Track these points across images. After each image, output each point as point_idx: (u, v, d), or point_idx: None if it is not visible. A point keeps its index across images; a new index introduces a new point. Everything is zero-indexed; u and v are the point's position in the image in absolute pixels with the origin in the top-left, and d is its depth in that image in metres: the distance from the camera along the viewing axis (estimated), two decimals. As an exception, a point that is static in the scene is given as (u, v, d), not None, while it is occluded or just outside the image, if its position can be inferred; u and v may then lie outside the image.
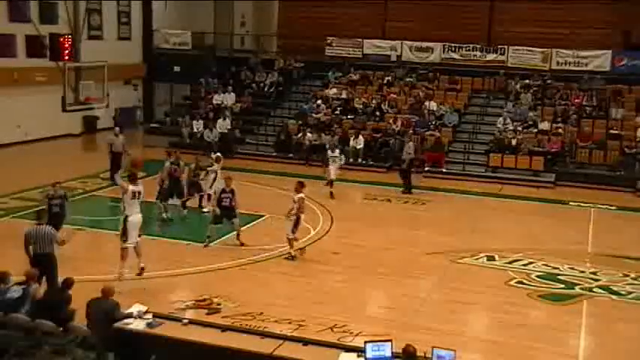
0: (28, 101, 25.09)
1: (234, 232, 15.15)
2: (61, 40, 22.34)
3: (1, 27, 24.44)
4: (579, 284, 13.47)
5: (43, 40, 23.88)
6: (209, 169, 17.65)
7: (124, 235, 12.26)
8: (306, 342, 8.96)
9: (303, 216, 14.43)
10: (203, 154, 19.60)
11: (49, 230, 11.34)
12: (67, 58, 22.76)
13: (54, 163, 22.55)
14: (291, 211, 14.30)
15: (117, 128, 21.44)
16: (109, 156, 20.38)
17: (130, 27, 31.23)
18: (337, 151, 20.58)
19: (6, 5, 24.41)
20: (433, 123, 25.25)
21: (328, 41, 29.44)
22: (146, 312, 9.44)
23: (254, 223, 16.74)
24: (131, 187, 12.31)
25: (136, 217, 12.38)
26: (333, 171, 19.90)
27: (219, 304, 11.52)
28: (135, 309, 9.49)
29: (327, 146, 21.69)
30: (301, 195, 14.36)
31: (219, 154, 18.41)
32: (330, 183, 19.87)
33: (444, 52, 28.16)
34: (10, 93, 24.49)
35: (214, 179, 17.48)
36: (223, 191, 15.01)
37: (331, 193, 19.56)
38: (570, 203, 20.23)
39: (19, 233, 11.61)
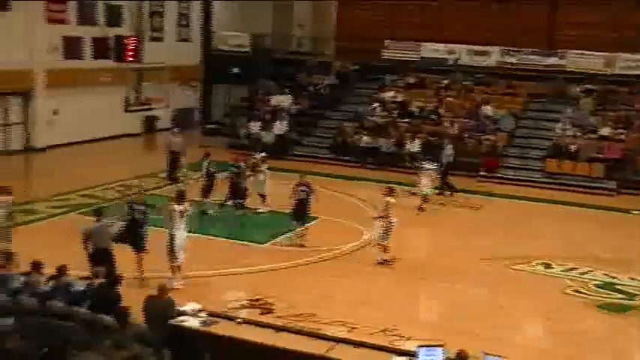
0: (93, 101, 25.78)
1: (292, 233, 15.29)
2: (125, 41, 22.99)
3: (71, 30, 25.24)
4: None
5: (109, 42, 24.53)
6: (257, 169, 17.93)
7: (173, 255, 12.35)
8: (358, 344, 8.97)
9: (394, 222, 14.16)
10: (249, 154, 19.82)
11: (106, 225, 11.72)
12: (130, 59, 23.39)
13: (116, 162, 23.19)
14: (381, 216, 14.27)
15: (175, 129, 21.85)
16: (168, 156, 20.81)
17: (190, 29, 31.83)
18: (433, 164, 19.42)
19: (76, 9, 25.18)
20: (489, 127, 24.99)
21: (385, 44, 29.40)
22: (200, 310, 9.53)
23: (308, 224, 16.86)
24: (178, 207, 12.44)
25: (182, 237, 12.42)
26: (425, 183, 18.75)
27: (272, 305, 11.66)
28: (189, 307, 9.62)
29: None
30: (390, 199, 14.23)
31: (264, 153, 18.67)
32: (424, 198, 18.68)
33: (501, 56, 27.82)
34: (77, 93, 25.24)
35: (265, 180, 17.78)
36: (300, 184, 15.23)
37: (421, 207, 18.51)
38: (633, 212, 19.73)
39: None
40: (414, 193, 18.94)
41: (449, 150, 21.02)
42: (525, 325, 12.05)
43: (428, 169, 19.09)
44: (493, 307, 12.39)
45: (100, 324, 9.13)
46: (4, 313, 7.95)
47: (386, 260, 14.15)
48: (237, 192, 17.25)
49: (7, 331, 6.32)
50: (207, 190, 17.34)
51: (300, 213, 15.18)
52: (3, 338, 6.29)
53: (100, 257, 11.43)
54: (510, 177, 23.07)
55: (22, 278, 9.82)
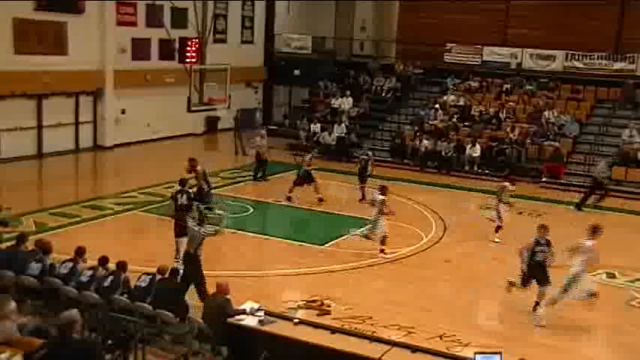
0: (158, 101, 26.37)
1: (354, 233, 15.40)
2: (189, 43, 23.50)
3: (140, 32, 25.91)
4: None
5: (174, 44, 25.10)
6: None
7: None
8: (414, 349, 8.94)
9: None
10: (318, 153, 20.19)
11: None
12: (193, 60, 23.88)
13: (179, 161, 23.62)
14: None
15: (263, 131, 22.18)
16: (256, 158, 21.23)
17: (253, 31, 32.22)
18: None
19: (144, 12, 25.88)
20: (552, 133, 24.51)
21: (447, 47, 29.15)
22: (258, 309, 9.65)
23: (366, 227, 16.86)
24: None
25: None
26: None
27: (329, 306, 11.71)
28: (248, 306, 9.75)
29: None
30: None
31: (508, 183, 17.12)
32: None
33: (566, 60, 27.21)
34: (143, 93, 25.86)
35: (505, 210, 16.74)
36: (538, 243, 12.61)
37: None
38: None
39: (145, 226, 12.35)
40: None
41: (604, 166, 20.68)
42: (589, 337, 11.77)
43: None
44: (553, 316, 12.12)
45: (160, 319, 9.38)
46: (71, 304, 8.26)
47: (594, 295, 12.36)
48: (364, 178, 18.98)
49: (73, 321, 6.57)
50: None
51: (543, 277, 12.41)
52: (70, 328, 6.53)
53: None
54: (575, 184, 22.54)
55: (89, 272, 10.19)
